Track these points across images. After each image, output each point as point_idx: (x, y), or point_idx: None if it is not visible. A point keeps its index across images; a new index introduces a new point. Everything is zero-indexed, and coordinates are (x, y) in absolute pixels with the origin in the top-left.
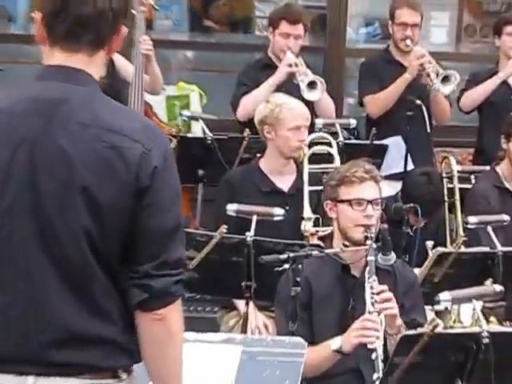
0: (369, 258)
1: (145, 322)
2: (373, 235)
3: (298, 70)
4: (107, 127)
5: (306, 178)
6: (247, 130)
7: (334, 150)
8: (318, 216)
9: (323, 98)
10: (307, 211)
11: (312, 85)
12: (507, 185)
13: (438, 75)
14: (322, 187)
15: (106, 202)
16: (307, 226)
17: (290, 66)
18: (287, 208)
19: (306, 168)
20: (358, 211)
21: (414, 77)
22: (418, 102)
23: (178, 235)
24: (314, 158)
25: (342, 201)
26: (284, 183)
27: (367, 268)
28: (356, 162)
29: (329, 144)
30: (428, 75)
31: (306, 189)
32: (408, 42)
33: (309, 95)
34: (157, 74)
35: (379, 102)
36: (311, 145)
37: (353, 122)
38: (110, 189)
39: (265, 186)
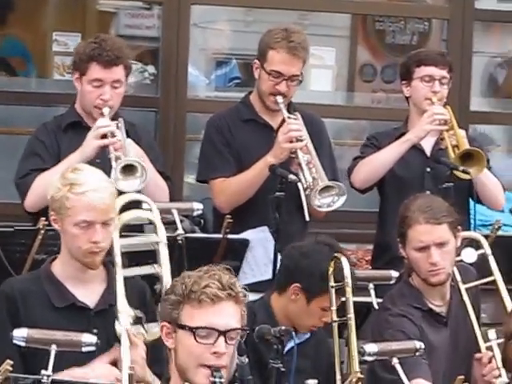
0: None
1: None
2: (222, 380)
3: (114, 143)
4: None
5: (120, 289)
6: (43, 219)
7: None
8: None
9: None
10: None
11: (129, 169)
12: (432, 305)
13: (312, 179)
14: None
15: None
16: None
17: (104, 136)
18: (96, 332)
19: (121, 274)
20: (203, 345)
21: (282, 161)
22: (292, 177)
23: None
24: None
25: (183, 326)
26: (88, 295)
27: None
28: (210, 269)
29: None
30: (300, 166)
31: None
32: (279, 98)
33: (123, 184)
34: None
35: (228, 192)
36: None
37: (197, 207)
38: None
39: (59, 300)
